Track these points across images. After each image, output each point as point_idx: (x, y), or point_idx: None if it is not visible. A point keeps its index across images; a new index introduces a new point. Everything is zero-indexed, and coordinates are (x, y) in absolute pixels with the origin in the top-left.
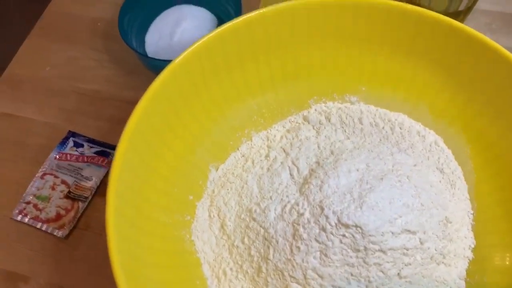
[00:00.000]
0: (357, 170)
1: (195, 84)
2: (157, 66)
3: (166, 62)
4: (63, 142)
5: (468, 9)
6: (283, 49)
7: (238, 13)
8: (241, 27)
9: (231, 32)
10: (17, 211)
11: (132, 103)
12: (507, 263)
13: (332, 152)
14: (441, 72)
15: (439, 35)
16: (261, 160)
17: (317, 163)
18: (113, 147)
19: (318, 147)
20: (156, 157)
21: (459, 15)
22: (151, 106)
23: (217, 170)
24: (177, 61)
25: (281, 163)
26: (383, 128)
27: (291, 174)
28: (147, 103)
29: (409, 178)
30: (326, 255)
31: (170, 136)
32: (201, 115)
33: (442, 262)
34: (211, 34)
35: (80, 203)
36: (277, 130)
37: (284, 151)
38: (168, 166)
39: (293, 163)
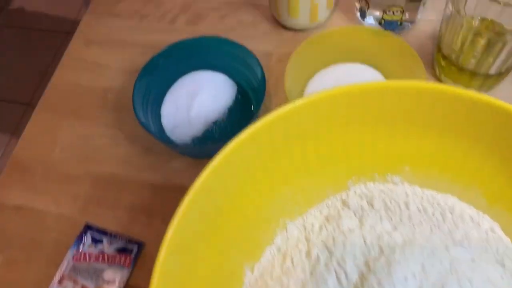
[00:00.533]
0: (414, 276)
1: (227, 187)
2: (176, 147)
3: (186, 147)
4: (80, 238)
5: (509, 68)
6: (319, 137)
7: (262, 85)
8: (274, 122)
9: (264, 128)
10: None
11: (150, 188)
12: None
13: (381, 250)
14: (495, 155)
15: (492, 118)
16: (302, 260)
17: (367, 265)
18: (135, 242)
19: (365, 242)
20: (190, 274)
21: (501, 75)
22: (184, 221)
23: (252, 271)
24: (208, 170)
25: (326, 264)
26: (433, 214)
27: (338, 280)
28: (180, 220)
29: (470, 282)
30: None
31: (203, 246)
32: (234, 216)
33: None
34: (244, 135)
35: None
36: (314, 216)
37: (327, 248)
38: (202, 281)
39: (339, 264)
